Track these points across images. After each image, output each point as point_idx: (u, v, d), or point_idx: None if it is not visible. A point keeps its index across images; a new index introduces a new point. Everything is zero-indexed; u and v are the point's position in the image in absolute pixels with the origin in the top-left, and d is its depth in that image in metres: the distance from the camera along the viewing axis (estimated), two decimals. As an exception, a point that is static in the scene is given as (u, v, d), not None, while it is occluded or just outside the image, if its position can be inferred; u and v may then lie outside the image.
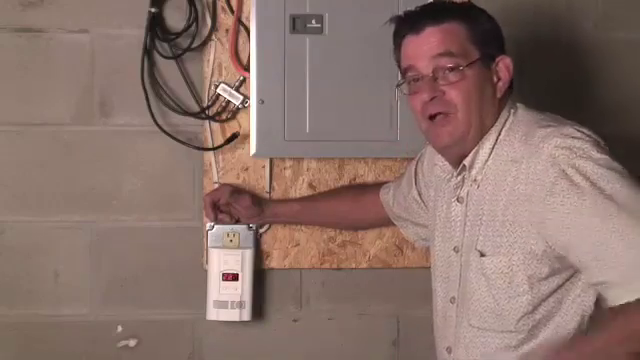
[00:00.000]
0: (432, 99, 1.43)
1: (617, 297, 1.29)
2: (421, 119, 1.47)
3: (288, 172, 1.92)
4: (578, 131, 1.36)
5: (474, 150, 1.45)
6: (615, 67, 2.01)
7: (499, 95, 1.46)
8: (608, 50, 2.01)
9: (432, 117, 1.45)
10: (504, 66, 1.46)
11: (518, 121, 1.45)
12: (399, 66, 1.52)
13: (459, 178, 1.49)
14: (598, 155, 1.32)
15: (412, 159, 1.78)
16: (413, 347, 1.96)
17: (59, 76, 1.87)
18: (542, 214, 1.35)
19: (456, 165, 1.50)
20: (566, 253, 1.34)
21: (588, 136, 1.36)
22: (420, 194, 1.72)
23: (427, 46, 1.43)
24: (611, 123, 1.97)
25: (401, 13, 1.51)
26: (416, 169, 1.74)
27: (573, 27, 1.99)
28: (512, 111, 1.47)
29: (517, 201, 1.39)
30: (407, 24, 1.47)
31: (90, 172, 1.89)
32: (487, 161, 1.44)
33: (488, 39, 1.45)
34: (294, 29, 1.81)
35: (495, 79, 1.46)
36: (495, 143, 1.44)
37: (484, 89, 1.44)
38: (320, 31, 1.81)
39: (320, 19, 1.81)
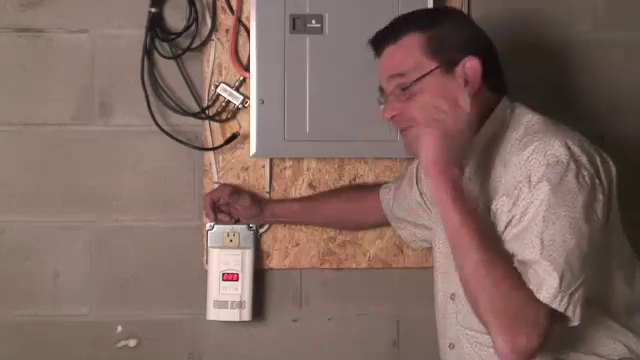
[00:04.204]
0: (392, 117, 1.47)
1: None
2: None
3: (288, 172, 1.92)
4: (566, 146, 1.31)
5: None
6: (614, 68, 2.00)
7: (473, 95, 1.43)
8: (607, 51, 2.00)
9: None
10: (468, 67, 1.42)
11: (516, 123, 1.43)
12: None
13: None
14: (570, 178, 1.28)
15: (412, 159, 1.77)
16: (413, 347, 1.96)
17: (59, 76, 1.87)
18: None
19: None
20: None
21: (571, 154, 1.31)
22: (421, 194, 1.73)
23: (384, 68, 1.48)
24: (608, 124, 1.97)
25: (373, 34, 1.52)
26: (417, 169, 1.75)
27: (571, 28, 1.98)
28: (508, 111, 1.46)
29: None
30: (373, 47, 1.51)
31: (90, 172, 1.89)
32: (479, 158, 1.44)
33: (449, 43, 1.43)
34: (294, 29, 1.81)
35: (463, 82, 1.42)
36: (488, 141, 1.43)
37: (450, 94, 1.41)
38: (320, 31, 1.81)
39: (320, 19, 1.81)
